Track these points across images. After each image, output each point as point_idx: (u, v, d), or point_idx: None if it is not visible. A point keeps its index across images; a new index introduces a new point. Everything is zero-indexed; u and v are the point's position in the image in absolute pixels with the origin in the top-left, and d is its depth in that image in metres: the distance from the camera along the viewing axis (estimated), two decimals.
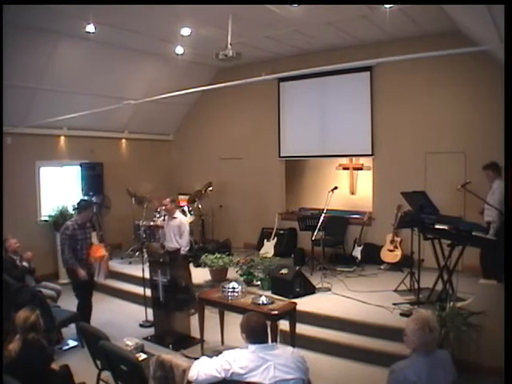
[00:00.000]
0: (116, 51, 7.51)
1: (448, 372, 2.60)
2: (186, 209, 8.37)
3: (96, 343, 3.48)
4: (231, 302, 4.63)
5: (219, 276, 6.75)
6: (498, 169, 5.79)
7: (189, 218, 8.04)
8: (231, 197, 9.51)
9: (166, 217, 6.67)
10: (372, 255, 7.50)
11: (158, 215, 8.03)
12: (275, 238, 8.37)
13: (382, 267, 7.31)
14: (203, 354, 4.48)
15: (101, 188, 8.72)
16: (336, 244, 7.79)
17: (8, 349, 3.17)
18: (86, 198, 8.44)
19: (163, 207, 6.69)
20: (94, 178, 8.57)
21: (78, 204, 5.81)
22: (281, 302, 4.68)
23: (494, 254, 5.16)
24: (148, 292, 5.86)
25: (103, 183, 8.78)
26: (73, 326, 5.29)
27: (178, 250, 6.23)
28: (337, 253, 7.81)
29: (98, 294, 7.20)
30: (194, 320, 5.16)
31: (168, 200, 6.45)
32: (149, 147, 10.01)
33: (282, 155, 9.02)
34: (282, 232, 8.54)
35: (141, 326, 5.89)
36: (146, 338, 5.29)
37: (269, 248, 8.19)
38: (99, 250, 5.57)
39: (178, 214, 6.54)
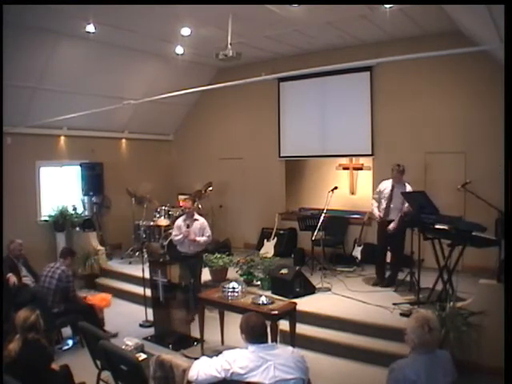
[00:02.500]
0: (116, 51, 7.51)
1: (448, 372, 2.59)
2: None
3: (96, 343, 3.48)
4: (231, 301, 4.62)
5: (219, 276, 6.75)
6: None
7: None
8: (231, 197, 9.51)
9: (187, 220, 6.03)
10: (372, 255, 7.46)
11: (158, 215, 8.02)
12: (275, 238, 8.37)
13: None
14: (203, 354, 4.48)
15: (101, 188, 8.72)
16: (336, 244, 7.79)
17: (8, 349, 3.17)
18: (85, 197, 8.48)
19: (186, 210, 6.05)
20: (93, 178, 8.57)
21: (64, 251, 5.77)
22: (281, 301, 4.67)
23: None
24: (148, 292, 5.86)
25: (103, 183, 8.78)
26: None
27: (198, 252, 6.09)
28: (337, 253, 7.81)
29: (98, 294, 7.23)
30: (194, 320, 5.15)
31: (189, 201, 6.06)
32: (149, 147, 10.01)
33: (282, 155, 9.02)
34: (282, 232, 8.53)
35: (141, 326, 5.89)
36: (146, 338, 5.29)
37: (269, 248, 8.19)
38: (104, 299, 5.74)
39: (196, 215, 6.16)
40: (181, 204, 6.09)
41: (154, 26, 6.51)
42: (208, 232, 6.05)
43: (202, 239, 5.96)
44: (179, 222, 6.12)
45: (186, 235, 5.89)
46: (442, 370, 2.55)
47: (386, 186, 6.36)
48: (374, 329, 4.94)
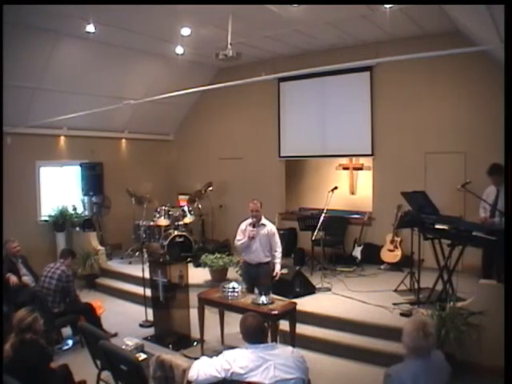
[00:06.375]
0: (116, 51, 7.51)
1: (443, 371, 2.58)
2: (186, 209, 8.36)
3: (96, 343, 3.48)
4: (231, 301, 4.62)
5: (219, 276, 6.75)
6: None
7: (189, 218, 8.05)
8: (231, 197, 9.50)
9: (253, 224, 5.17)
10: (372, 255, 7.50)
11: (158, 215, 8.02)
12: None
13: (381, 267, 7.30)
14: (203, 354, 4.48)
15: (101, 188, 8.72)
16: (336, 244, 7.79)
17: (5, 348, 3.17)
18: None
19: (253, 213, 5.13)
20: (93, 178, 8.57)
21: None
22: (281, 301, 4.67)
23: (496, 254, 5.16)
24: (148, 292, 5.85)
25: (103, 183, 8.78)
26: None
27: (264, 263, 5.22)
28: (337, 253, 7.81)
29: (98, 294, 7.24)
30: (194, 320, 5.15)
31: (257, 203, 5.12)
32: (149, 147, 10.01)
33: (282, 155, 9.01)
34: (282, 232, 8.47)
35: (141, 326, 5.89)
36: (146, 338, 5.28)
37: None
38: (98, 307, 5.68)
39: (264, 219, 5.28)
40: (250, 207, 5.14)
41: (154, 25, 6.51)
42: (278, 242, 5.27)
43: (277, 255, 5.22)
44: (243, 225, 5.32)
45: (251, 236, 5.09)
46: (438, 371, 2.53)
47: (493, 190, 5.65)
48: (374, 329, 4.93)
